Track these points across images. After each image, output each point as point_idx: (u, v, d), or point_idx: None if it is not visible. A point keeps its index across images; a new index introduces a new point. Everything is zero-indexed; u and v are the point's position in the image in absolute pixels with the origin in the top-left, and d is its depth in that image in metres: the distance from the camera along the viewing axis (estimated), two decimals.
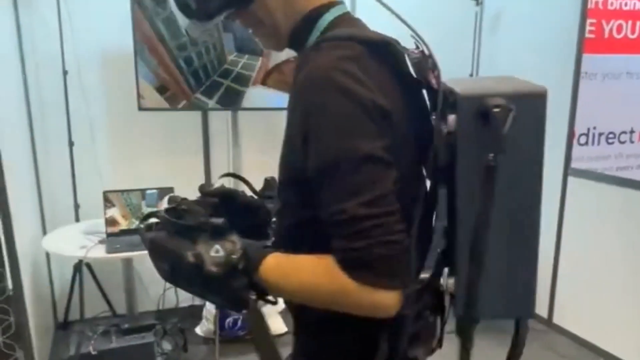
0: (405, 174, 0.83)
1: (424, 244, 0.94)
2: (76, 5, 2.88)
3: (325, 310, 0.84)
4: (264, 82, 2.99)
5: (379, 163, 0.78)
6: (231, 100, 2.97)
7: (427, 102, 0.94)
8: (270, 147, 3.35)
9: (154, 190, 2.77)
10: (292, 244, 0.88)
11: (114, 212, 2.72)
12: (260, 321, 0.86)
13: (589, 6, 3.01)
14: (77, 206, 3.08)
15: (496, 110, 0.79)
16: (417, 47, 0.91)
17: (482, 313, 0.90)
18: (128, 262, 2.83)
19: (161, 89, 2.83)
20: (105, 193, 2.72)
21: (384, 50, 0.85)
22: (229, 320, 3.00)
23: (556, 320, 3.28)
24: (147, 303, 3.20)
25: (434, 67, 0.89)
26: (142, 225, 0.96)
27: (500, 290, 0.89)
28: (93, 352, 2.26)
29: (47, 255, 3.00)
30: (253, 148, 3.33)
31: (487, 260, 0.86)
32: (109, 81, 3.06)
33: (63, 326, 3.05)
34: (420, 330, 0.95)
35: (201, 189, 0.98)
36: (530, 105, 0.83)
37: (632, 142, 3.34)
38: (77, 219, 3.09)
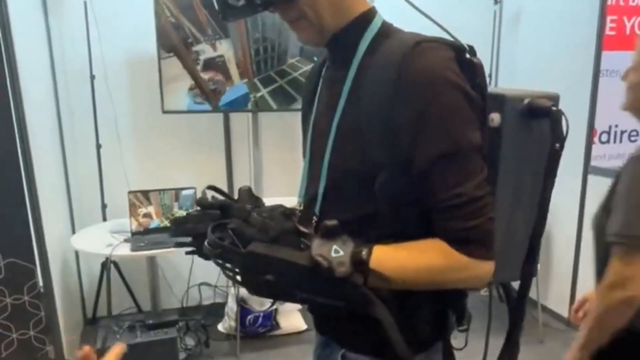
0: None
1: None
2: (103, 10, 2.98)
3: (401, 292, 0.90)
4: None
5: (481, 151, 0.89)
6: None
7: None
8: (290, 146, 3.42)
9: (190, 192, 2.92)
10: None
11: (151, 209, 2.85)
12: (386, 311, 0.86)
13: (608, 2, 2.99)
14: (104, 206, 3.19)
15: (554, 108, 0.93)
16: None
17: (505, 277, 1.04)
18: (152, 260, 2.92)
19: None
20: (130, 193, 2.82)
21: (460, 56, 0.92)
22: (250, 317, 3.06)
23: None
24: (172, 300, 3.30)
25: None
26: (211, 235, 0.89)
27: (519, 257, 1.01)
28: None
29: (76, 253, 3.12)
30: (273, 148, 3.39)
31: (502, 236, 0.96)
32: (134, 84, 3.16)
33: (91, 321, 3.16)
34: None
35: (199, 202, 0.99)
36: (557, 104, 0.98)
37: None
38: (104, 219, 3.19)
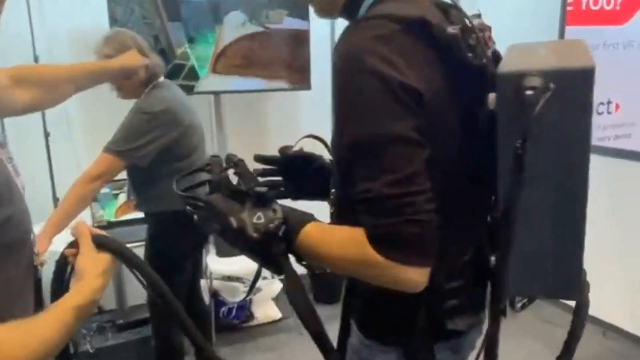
0: (446, 155, 0.85)
1: (476, 222, 1.00)
2: None
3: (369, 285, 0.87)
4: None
5: (406, 143, 0.79)
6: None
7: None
8: (256, 131, 3.28)
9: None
10: (345, 214, 0.90)
11: None
12: (296, 284, 0.89)
13: None
14: (56, 199, 2.94)
15: (529, 92, 0.75)
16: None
17: (524, 290, 0.95)
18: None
19: None
20: None
21: (420, 29, 0.82)
22: (224, 309, 2.95)
23: None
24: (137, 296, 3.09)
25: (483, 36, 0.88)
26: (176, 187, 1.01)
27: (543, 270, 0.88)
28: (91, 350, 2.17)
29: None
30: (237, 132, 3.24)
31: (527, 242, 0.85)
32: None
33: None
34: (464, 303, 0.97)
35: (281, 150, 1.02)
36: (573, 82, 0.77)
37: (609, 113, 3.40)
38: None
